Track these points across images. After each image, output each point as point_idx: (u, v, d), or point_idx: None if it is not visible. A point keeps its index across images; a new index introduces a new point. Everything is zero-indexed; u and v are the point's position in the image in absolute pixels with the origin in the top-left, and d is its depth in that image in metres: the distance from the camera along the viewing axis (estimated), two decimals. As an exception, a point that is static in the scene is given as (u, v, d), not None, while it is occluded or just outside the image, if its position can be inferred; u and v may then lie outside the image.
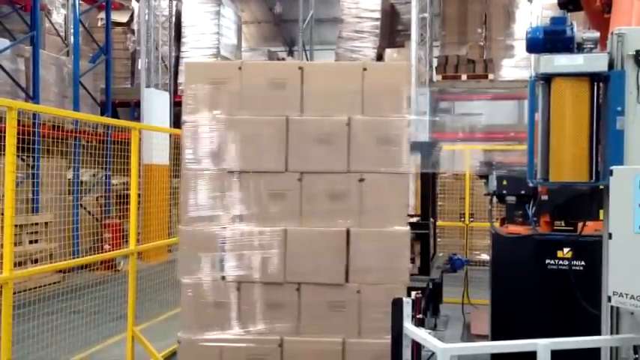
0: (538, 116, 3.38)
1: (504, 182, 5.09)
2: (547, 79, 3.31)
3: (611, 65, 3.23)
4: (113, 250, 8.69)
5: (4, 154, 4.06)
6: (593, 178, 3.25)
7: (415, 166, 6.19)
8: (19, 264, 7.82)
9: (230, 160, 4.17)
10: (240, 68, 4.25)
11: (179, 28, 15.23)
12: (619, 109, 3.16)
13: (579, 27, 3.49)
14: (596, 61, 3.25)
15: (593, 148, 3.27)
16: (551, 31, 3.42)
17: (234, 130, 4.18)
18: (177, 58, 15.09)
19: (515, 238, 4.84)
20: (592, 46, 3.40)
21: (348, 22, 15.39)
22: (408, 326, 3.25)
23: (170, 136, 11.05)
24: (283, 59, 19.49)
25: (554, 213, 4.84)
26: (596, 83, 3.29)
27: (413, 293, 3.41)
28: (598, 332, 3.38)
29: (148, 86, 12.66)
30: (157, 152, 11.43)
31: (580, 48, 3.40)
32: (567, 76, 3.26)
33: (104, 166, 10.80)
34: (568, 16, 3.55)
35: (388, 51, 15.00)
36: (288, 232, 4.11)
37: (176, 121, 13.72)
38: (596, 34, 3.45)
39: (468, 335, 6.79)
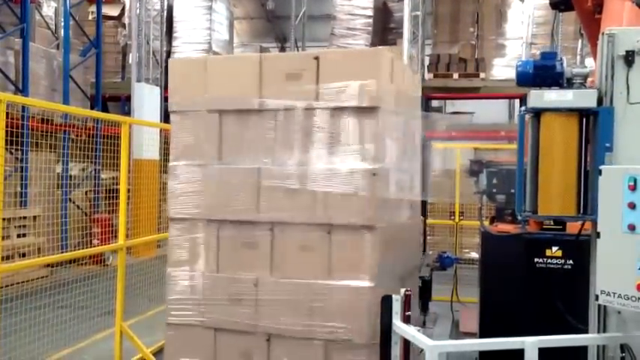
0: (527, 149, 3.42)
1: (494, 181, 5.11)
2: (537, 113, 3.35)
3: (600, 101, 3.26)
4: (102, 245, 8.65)
5: (-8, 147, 4.03)
6: (581, 212, 3.29)
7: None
8: (6, 258, 7.76)
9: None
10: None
11: (171, 22, 15.15)
12: (607, 145, 3.19)
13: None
14: (585, 97, 3.28)
15: (582, 182, 3.30)
16: (541, 65, 3.47)
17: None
18: (169, 53, 15.00)
19: (505, 237, 4.86)
20: (581, 81, 3.44)
21: (341, 19, 15.38)
22: (397, 323, 3.25)
23: (160, 131, 11.01)
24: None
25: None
26: (584, 118, 3.32)
27: (402, 290, 3.41)
28: (585, 331, 3.40)
29: (138, 81, 12.60)
30: (147, 147, 11.38)
31: (569, 83, 3.44)
32: (556, 111, 3.30)
33: (94, 160, 10.73)
34: (558, 51, 3.61)
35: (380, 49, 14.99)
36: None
37: (166, 116, 13.67)
38: (586, 70, 3.49)
39: (457, 333, 6.82)
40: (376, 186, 3.93)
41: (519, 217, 3.55)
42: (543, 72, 3.44)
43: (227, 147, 4.32)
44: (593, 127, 3.31)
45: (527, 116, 3.43)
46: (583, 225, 3.59)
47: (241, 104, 4.26)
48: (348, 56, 4.22)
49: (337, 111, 4.00)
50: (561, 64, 3.46)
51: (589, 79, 3.50)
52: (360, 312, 3.88)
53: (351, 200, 3.93)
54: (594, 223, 3.18)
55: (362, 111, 3.94)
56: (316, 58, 4.08)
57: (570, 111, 3.29)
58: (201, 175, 4.37)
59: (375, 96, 3.91)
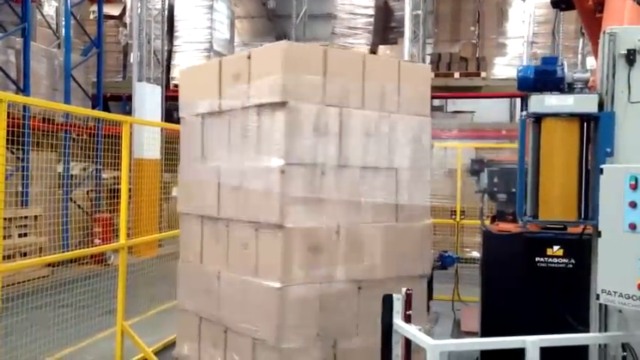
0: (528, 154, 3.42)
1: (495, 180, 5.10)
2: (537, 118, 3.35)
3: (600, 106, 3.26)
4: (103, 245, 8.65)
5: (-7, 147, 4.03)
6: (582, 216, 3.29)
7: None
8: (7, 257, 7.76)
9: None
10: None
11: (172, 21, 15.14)
12: (608, 150, 3.19)
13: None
14: (586, 102, 3.29)
15: (582, 187, 3.30)
16: (542, 70, 3.48)
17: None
18: (170, 52, 15.00)
19: (506, 236, 4.85)
20: (582, 86, 3.44)
21: (342, 18, 15.38)
22: (399, 322, 3.25)
23: (161, 130, 11.01)
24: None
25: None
26: (585, 123, 3.32)
27: (403, 289, 3.40)
28: (586, 331, 3.40)
29: (139, 80, 12.59)
30: (148, 146, 11.38)
31: (570, 88, 3.44)
32: (557, 116, 3.30)
33: (95, 159, 10.74)
34: (559, 50, 3.62)
35: (381, 48, 15.00)
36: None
37: (167, 116, 13.66)
38: (587, 75, 3.49)
39: (458, 332, 6.81)
40: (287, 183, 3.85)
41: (520, 222, 3.55)
42: (544, 77, 3.46)
43: (206, 148, 4.61)
44: (594, 131, 3.31)
45: (528, 121, 3.42)
46: (585, 225, 3.58)
47: (209, 107, 4.53)
48: (266, 53, 4.20)
49: (260, 108, 4.04)
50: (562, 69, 3.47)
51: (591, 79, 3.50)
52: (270, 313, 3.87)
53: (265, 198, 3.95)
54: (595, 228, 3.17)
55: (274, 107, 3.92)
56: (249, 57, 4.16)
57: (571, 116, 3.29)
58: (192, 175, 4.73)
59: (282, 90, 3.84)
